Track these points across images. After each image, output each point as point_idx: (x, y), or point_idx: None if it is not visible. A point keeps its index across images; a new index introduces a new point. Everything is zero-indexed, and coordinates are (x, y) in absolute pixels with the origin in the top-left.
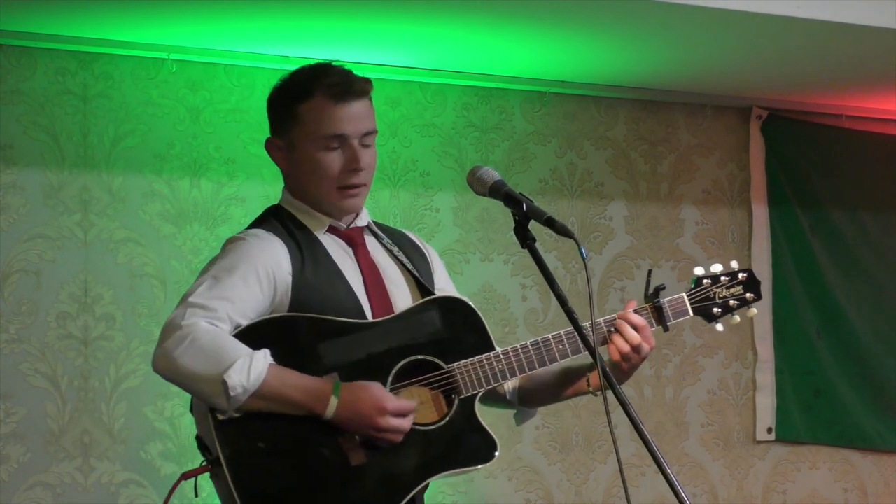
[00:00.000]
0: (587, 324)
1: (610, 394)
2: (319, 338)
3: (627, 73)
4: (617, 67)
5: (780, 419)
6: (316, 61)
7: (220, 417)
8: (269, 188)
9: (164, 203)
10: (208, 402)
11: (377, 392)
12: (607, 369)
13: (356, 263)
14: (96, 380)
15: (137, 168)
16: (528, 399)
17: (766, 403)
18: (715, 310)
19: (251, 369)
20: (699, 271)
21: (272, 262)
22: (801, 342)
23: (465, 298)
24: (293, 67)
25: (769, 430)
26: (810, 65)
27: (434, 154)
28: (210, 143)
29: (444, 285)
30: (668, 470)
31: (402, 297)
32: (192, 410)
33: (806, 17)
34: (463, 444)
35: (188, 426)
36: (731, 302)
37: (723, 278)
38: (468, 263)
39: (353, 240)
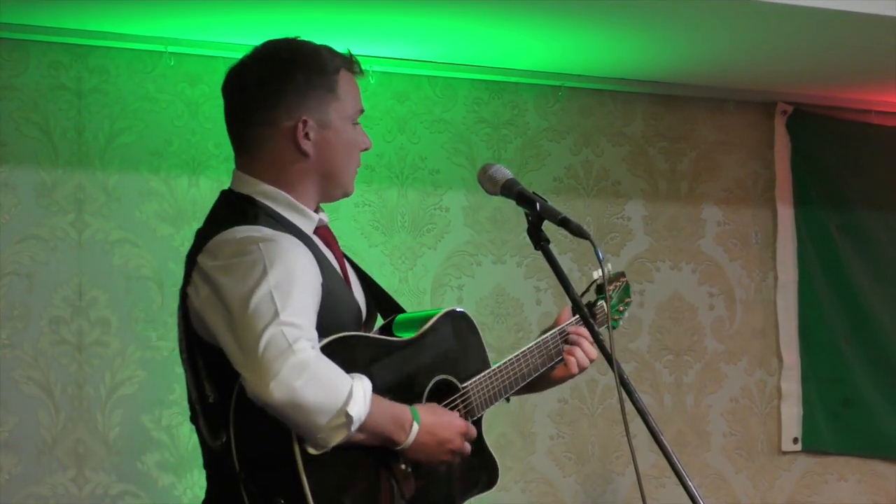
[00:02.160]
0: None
1: (627, 402)
2: (367, 357)
3: (646, 67)
4: (635, 60)
5: (806, 429)
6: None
7: (313, 452)
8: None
9: (161, 202)
10: (316, 435)
11: (455, 416)
12: (625, 377)
13: (339, 265)
14: (91, 387)
15: (134, 166)
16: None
17: (791, 412)
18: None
19: (365, 397)
20: (597, 274)
21: (313, 268)
22: (829, 348)
23: (467, 312)
24: None
25: (795, 441)
26: (838, 57)
27: (444, 151)
28: (209, 140)
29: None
30: (689, 482)
31: (360, 297)
32: (235, 444)
33: (834, 7)
34: (477, 468)
35: (186, 435)
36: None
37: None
38: (479, 266)
39: (329, 239)
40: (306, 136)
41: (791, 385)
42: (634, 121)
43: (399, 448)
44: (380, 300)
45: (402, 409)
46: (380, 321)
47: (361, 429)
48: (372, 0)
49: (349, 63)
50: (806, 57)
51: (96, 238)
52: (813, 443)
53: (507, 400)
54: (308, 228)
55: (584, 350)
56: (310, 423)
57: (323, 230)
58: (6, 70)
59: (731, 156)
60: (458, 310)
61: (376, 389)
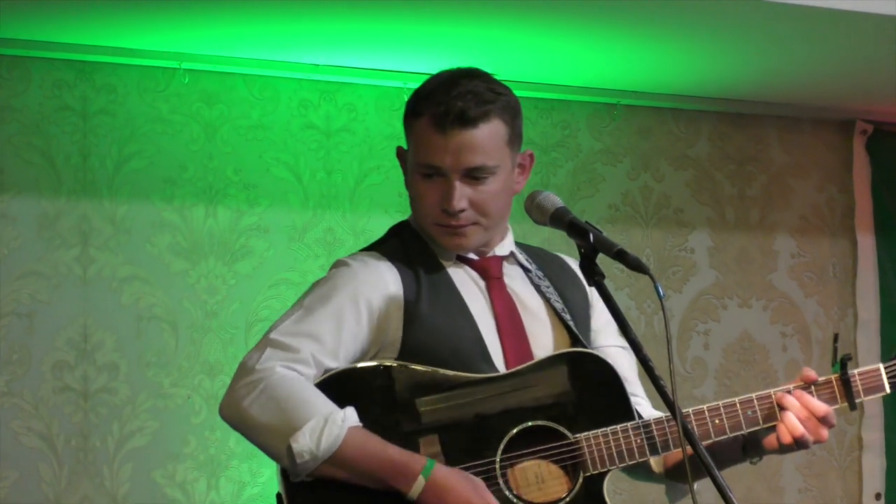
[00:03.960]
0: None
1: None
2: (419, 393)
3: (711, 82)
4: (699, 75)
5: (890, 483)
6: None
7: (292, 479)
8: (295, 216)
9: (175, 235)
10: (277, 461)
11: (476, 489)
12: (689, 426)
13: (489, 299)
14: (97, 439)
15: (145, 195)
16: (678, 473)
17: (873, 465)
18: None
19: (324, 434)
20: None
21: (379, 292)
22: None
23: (602, 356)
24: (323, 77)
25: (878, 497)
26: None
27: None
28: (228, 166)
29: (601, 327)
30: None
31: (545, 342)
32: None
33: None
34: None
35: (202, 493)
36: None
37: None
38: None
39: (487, 272)
40: (404, 168)
41: (873, 434)
42: (699, 142)
43: (409, 498)
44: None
45: (410, 459)
46: None
47: (337, 465)
48: (404, 10)
49: (433, 112)
50: (888, 71)
51: (103, 274)
52: None
53: (753, 462)
54: (445, 257)
55: (801, 418)
56: (262, 445)
57: (483, 261)
58: (5, 89)
59: (805, 180)
60: (586, 352)
61: (422, 428)
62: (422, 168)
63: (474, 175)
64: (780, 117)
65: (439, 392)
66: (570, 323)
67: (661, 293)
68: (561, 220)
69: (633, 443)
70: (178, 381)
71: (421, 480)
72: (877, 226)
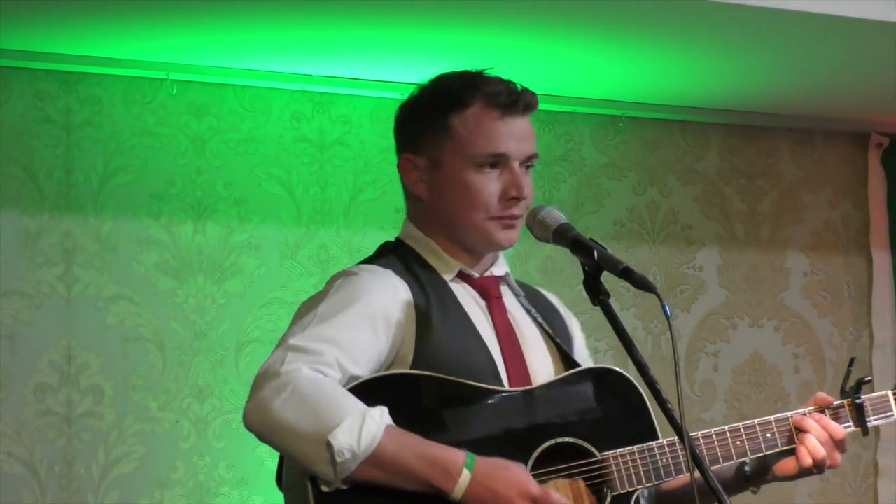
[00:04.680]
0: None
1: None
2: (448, 403)
3: (720, 93)
4: (707, 86)
5: None
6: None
7: (324, 489)
8: (288, 233)
9: (162, 252)
10: (311, 468)
11: (521, 474)
12: (696, 451)
13: (490, 318)
14: (82, 465)
15: (131, 210)
16: (675, 499)
17: (890, 491)
18: None
19: (363, 430)
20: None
21: (391, 302)
22: None
23: (627, 374)
24: (316, 88)
25: None
26: None
27: None
28: (218, 180)
29: (582, 360)
30: None
31: (541, 365)
32: (279, 482)
33: None
34: None
35: None
36: None
37: None
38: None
39: (487, 291)
40: (420, 176)
41: (889, 459)
42: (707, 155)
43: (453, 499)
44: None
45: (448, 452)
46: None
47: (377, 465)
48: (400, 17)
49: (491, 98)
50: None
51: (88, 294)
52: None
53: (754, 492)
54: (446, 273)
55: (821, 441)
56: (294, 452)
57: (482, 280)
58: None
59: (818, 195)
60: (609, 368)
61: (450, 440)
62: (482, 158)
63: (528, 164)
64: (791, 129)
65: (468, 404)
66: (564, 346)
67: (669, 313)
68: (564, 236)
69: (660, 462)
70: (165, 404)
71: (466, 474)
72: (893, 242)
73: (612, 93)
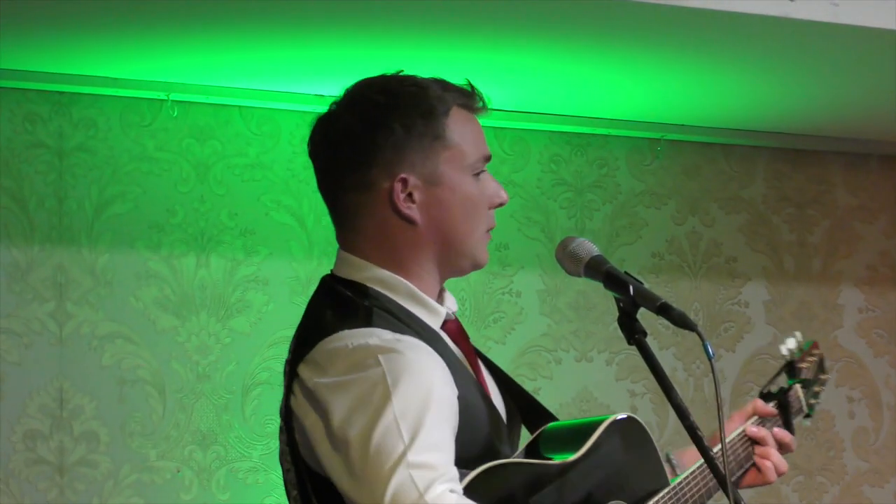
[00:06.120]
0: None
1: None
2: (523, 490)
3: (767, 115)
4: (753, 107)
5: None
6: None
7: None
8: (298, 266)
9: (162, 287)
10: None
11: None
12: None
13: (469, 367)
14: None
15: (128, 242)
16: None
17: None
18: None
19: None
20: (786, 350)
21: (446, 383)
22: None
23: (633, 415)
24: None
25: None
26: None
27: (513, 221)
28: (222, 209)
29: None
30: None
31: (500, 403)
32: None
33: None
34: None
35: None
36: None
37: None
38: (559, 364)
39: (461, 333)
40: (409, 197)
41: None
42: (753, 182)
43: None
44: (523, 405)
45: None
46: (525, 433)
47: None
48: (418, 35)
49: (465, 97)
50: None
51: (81, 332)
52: None
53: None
54: (435, 323)
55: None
56: None
57: (451, 324)
58: None
59: (873, 224)
60: (623, 416)
61: None
62: (481, 163)
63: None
64: (845, 153)
65: (539, 483)
66: (510, 377)
67: (711, 353)
68: (597, 269)
69: (691, 500)
70: (165, 452)
71: None
72: None
73: (650, 114)
